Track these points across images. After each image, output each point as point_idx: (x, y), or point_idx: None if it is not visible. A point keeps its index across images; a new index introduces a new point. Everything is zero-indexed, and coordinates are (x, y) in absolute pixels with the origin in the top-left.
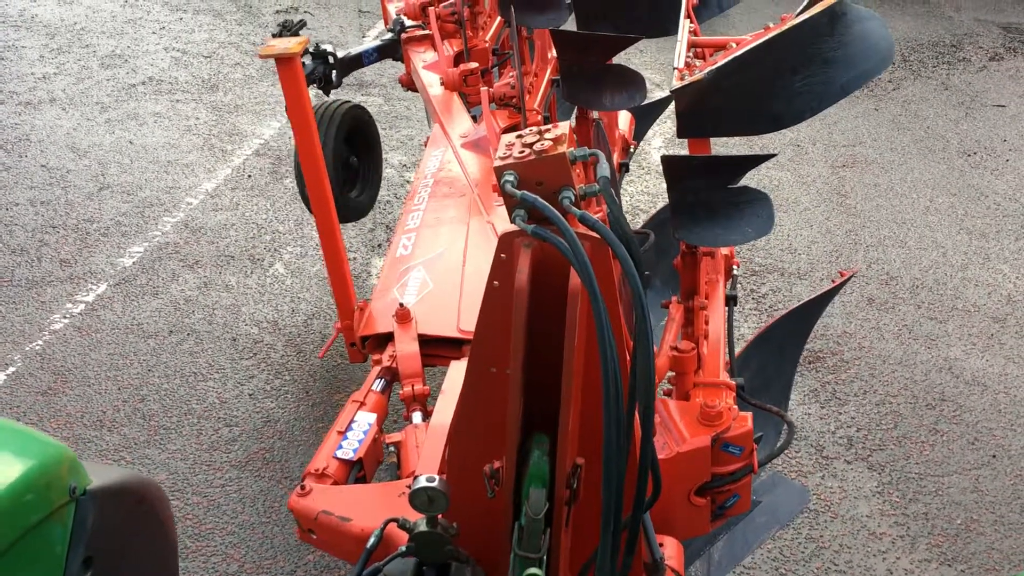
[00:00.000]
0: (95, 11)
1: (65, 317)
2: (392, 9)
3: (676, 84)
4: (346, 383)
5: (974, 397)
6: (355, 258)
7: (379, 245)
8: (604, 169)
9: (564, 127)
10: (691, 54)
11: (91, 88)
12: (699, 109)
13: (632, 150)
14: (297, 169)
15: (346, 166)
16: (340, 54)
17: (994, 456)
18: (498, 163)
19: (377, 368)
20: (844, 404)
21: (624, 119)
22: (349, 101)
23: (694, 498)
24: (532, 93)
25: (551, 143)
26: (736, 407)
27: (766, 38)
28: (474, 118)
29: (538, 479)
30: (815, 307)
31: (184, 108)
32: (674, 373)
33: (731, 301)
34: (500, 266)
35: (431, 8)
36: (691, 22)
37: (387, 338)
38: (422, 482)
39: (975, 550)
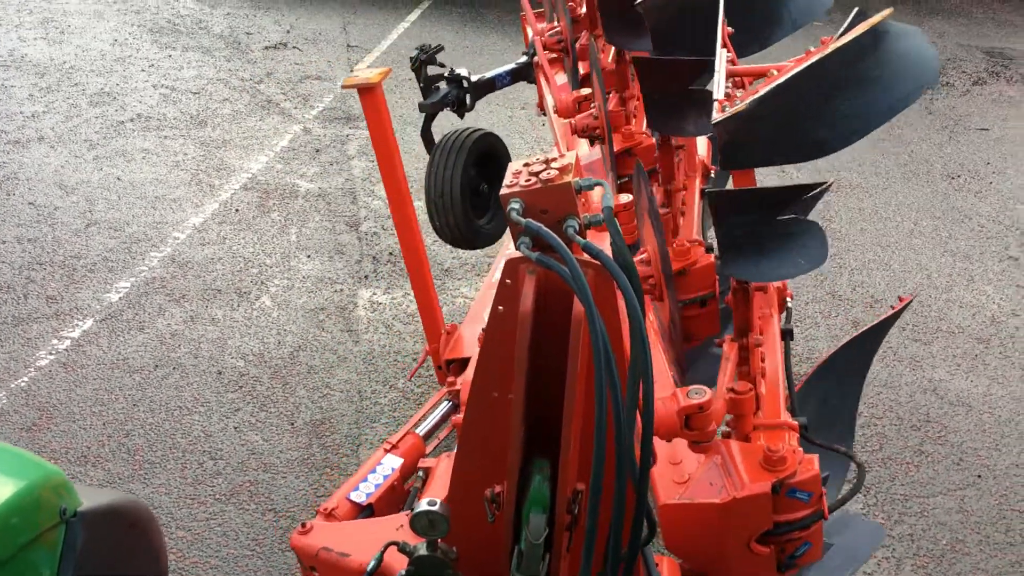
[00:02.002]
0: (85, 50)
1: (51, 353)
2: (530, 32)
3: (717, 116)
4: (331, 414)
5: (959, 418)
6: (341, 289)
7: (365, 277)
8: (608, 199)
9: (571, 157)
10: (730, 84)
11: (80, 126)
12: (742, 140)
13: (712, 175)
14: (427, 199)
15: (476, 193)
16: (474, 78)
17: (979, 476)
18: (504, 191)
19: (445, 391)
20: None
21: (702, 144)
22: (480, 129)
23: (755, 546)
24: (639, 117)
25: (557, 172)
26: (801, 449)
27: (809, 62)
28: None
29: (538, 504)
30: (873, 336)
31: (172, 144)
32: (732, 416)
33: (787, 335)
34: (505, 291)
35: (536, 38)
36: (728, 51)
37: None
38: (423, 506)
39: (961, 570)
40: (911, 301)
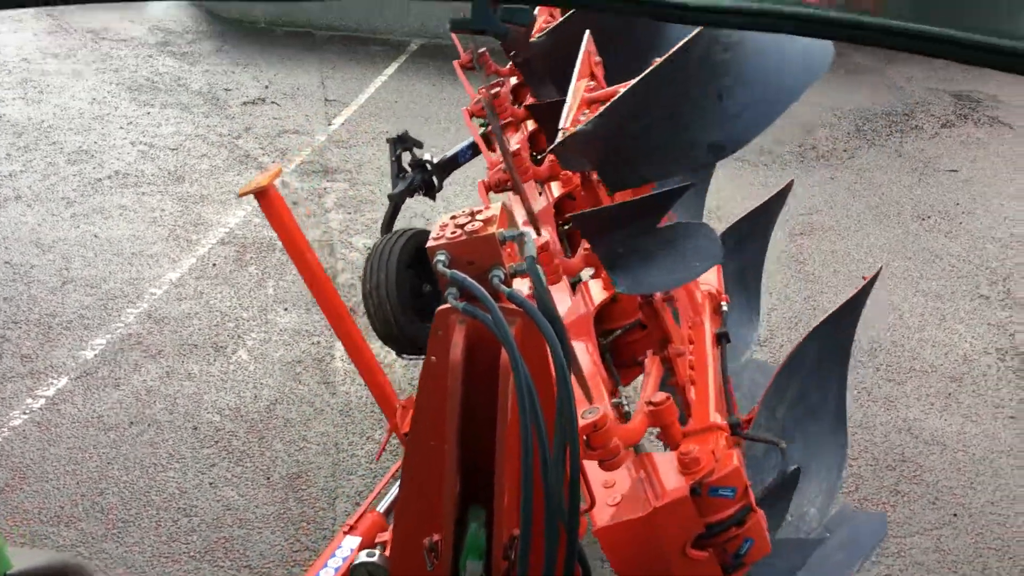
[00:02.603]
0: (63, 109)
1: (25, 413)
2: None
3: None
4: (307, 467)
5: (934, 457)
6: (318, 341)
7: None
8: (531, 249)
9: (496, 208)
10: (588, 112)
11: (57, 184)
12: (612, 159)
13: (726, 308)
14: (367, 305)
15: (418, 295)
16: (436, 159)
17: (955, 515)
18: (430, 243)
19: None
20: None
21: (711, 271)
22: (413, 229)
23: (692, 552)
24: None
25: (481, 224)
26: (722, 447)
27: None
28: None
29: (475, 551)
30: (847, 313)
31: (150, 200)
32: (660, 428)
33: (722, 338)
34: (436, 342)
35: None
36: (591, 79)
37: None
38: (362, 557)
39: None
40: (879, 273)
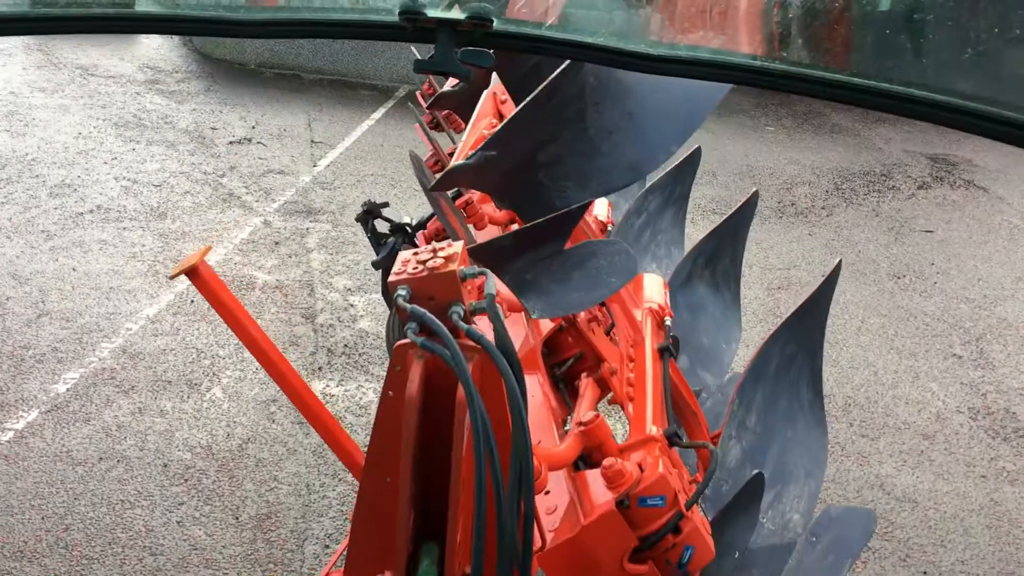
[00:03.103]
0: (48, 143)
1: None
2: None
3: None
4: (277, 507)
5: (905, 513)
6: None
7: (319, 368)
8: (491, 287)
9: (458, 246)
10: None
11: (38, 217)
12: (503, 188)
13: (670, 322)
14: None
15: None
16: (415, 221)
17: (925, 573)
18: (392, 278)
19: None
20: None
21: (656, 288)
22: None
23: (630, 567)
24: None
25: (443, 261)
26: (655, 456)
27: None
28: None
29: None
30: (816, 305)
31: (131, 235)
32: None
33: (665, 352)
34: (394, 377)
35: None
36: (495, 118)
37: None
38: None
39: None
40: (839, 268)
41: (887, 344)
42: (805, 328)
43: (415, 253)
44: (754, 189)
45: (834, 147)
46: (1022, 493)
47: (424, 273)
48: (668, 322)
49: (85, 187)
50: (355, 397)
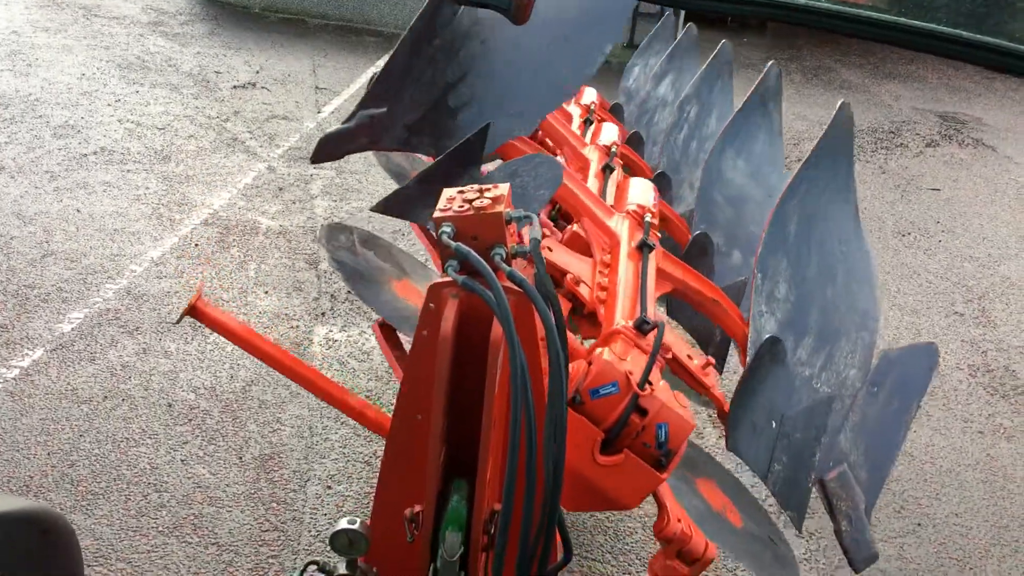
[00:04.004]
0: (51, 83)
1: None
2: None
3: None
4: (280, 448)
5: (901, 466)
6: (297, 325)
7: (322, 314)
8: (536, 232)
9: (504, 188)
10: None
11: (42, 157)
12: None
13: (650, 220)
14: None
15: None
16: None
17: (919, 524)
18: (438, 214)
19: None
20: None
21: (645, 192)
22: None
23: (604, 459)
24: None
25: (490, 201)
26: (617, 347)
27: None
28: None
29: (455, 523)
30: (831, 151)
31: (135, 178)
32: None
33: (645, 248)
34: (428, 316)
35: None
36: None
37: None
38: (343, 524)
39: None
40: (845, 106)
41: (890, 301)
42: (827, 175)
43: (460, 191)
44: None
45: None
46: (1018, 449)
47: (470, 212)
48: (649, 219)
49: (89, 128)
50: (357, 343)
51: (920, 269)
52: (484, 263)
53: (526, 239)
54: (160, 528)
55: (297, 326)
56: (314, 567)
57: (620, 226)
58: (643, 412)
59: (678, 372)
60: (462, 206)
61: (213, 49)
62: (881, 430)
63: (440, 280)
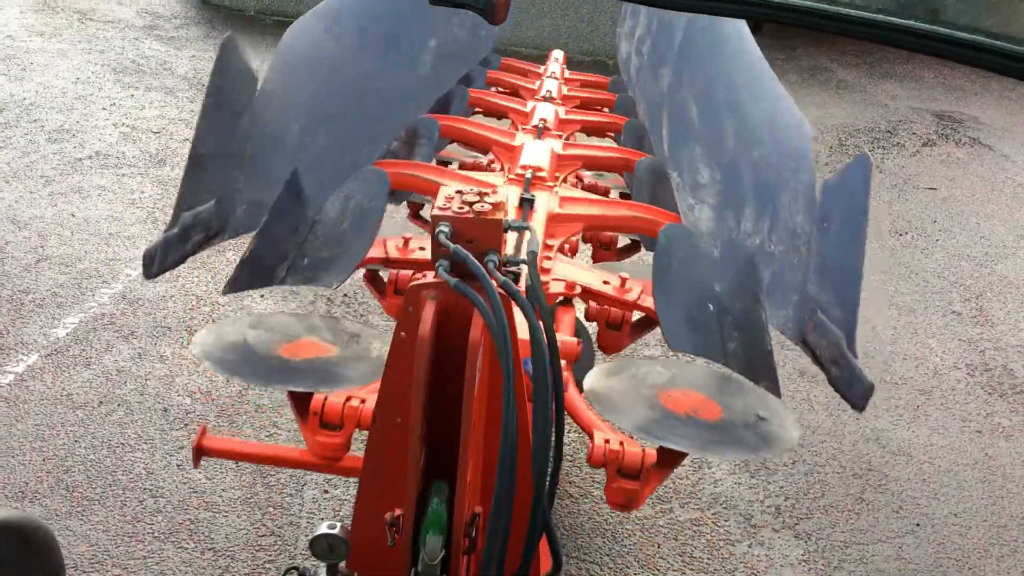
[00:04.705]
0: (46, 87)
1: None
2: None
3: None
4: None
5: (900, 467)
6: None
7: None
8: (535, 244)
9: (503, 195)
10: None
11: (36, 162)
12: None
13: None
14: None
15: None
16: None
17: (918, 524)
18: (436, 212)
19: None
20: (773, 474)
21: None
22: None
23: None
24: None
25: (490, 207)
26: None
27: None
28: None
29: (435, 526)
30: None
31: (130, 182)
32: None
33: (524, 204)
34: (406, 318)
35: None
36: None
37: None
38: (323, 529)
39: None
40: None
41: (887, 300)
42: (707, 45)
43: (460, 191)
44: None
45: (839, 103)
46: (1016, 448)
47: (470, 215)
48: (530, 176)
49: (84, 132)
50: None
51: (918, 268)
52: (483, 270)
53: (523, 251)
54: (156, 534)
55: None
56: (295, 573)
57: (505, 191)
58: None
59: (599, 300)
60: (461, 207)
61: (208, 52)
62: (841, 261)
63: (419, 282)
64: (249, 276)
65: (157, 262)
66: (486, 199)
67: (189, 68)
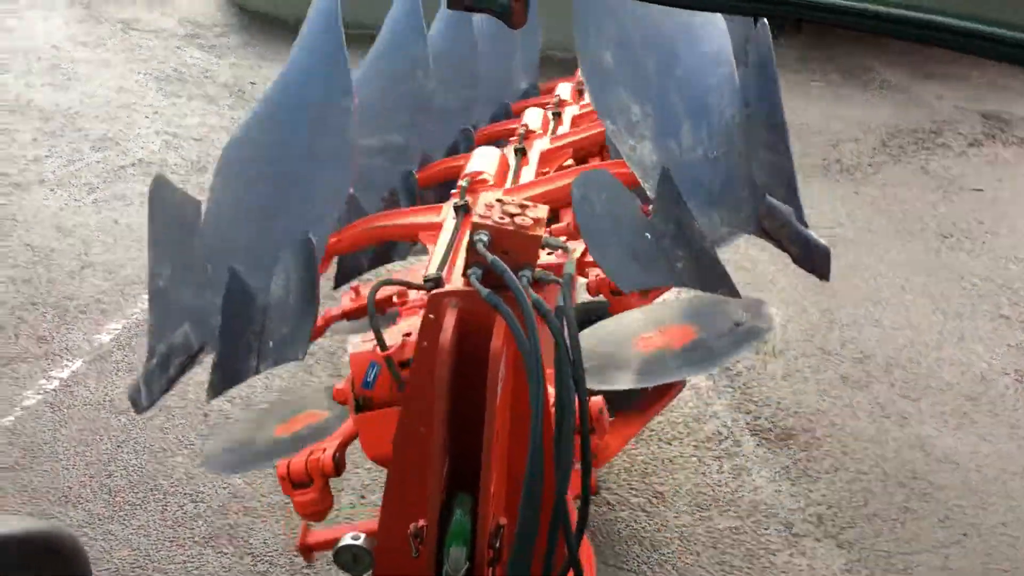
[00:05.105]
0: (90, 96)
1: (38, 393)
2: None
3: None
4: None
5: (945, 475)
6: (331, 334)
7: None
8: (571, 266)
9: (544, 211)
10: None
11: (81, 170)
12: None
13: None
14: None
15: None
16: None
17: (964, 535)
18: (477, 220)
19: None
20: (815, 482)
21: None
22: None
23: None
24: None
25: (532, 222)
26: None
27: None
28: None
29: (459, 537)
30: None
31: None
32: None
33: (460, 211)
34: (428, 327)
35: None
36: None
37: None
38: (347, 540)
39: None
40: None
41: (932, 304)
42: None
43: (500, 201)
44: None
45: (882, 103)
46: None
47: (510, 227)
48: (466, 183)
49: (127, 141)
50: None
51: (964, 272)
52: (519, 285)
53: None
54: (196, 538)
55: (331, 334)
56: None
57: (446, 210)
58: (407, 364)
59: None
60: (502, 218)
61: (248, 60)
62: (768, 134)
63: (440, 291)
64: (222, 379)
65: (144, 397)
66: (528, 212)
67: (230, 76)
